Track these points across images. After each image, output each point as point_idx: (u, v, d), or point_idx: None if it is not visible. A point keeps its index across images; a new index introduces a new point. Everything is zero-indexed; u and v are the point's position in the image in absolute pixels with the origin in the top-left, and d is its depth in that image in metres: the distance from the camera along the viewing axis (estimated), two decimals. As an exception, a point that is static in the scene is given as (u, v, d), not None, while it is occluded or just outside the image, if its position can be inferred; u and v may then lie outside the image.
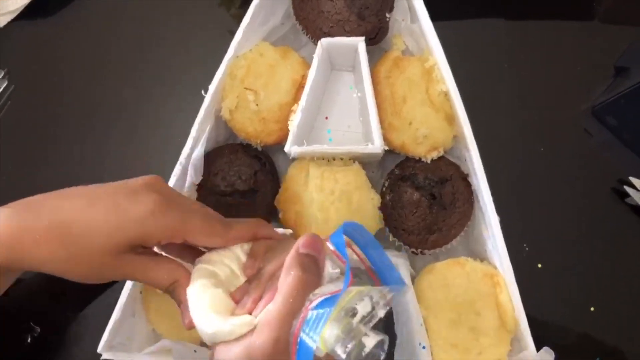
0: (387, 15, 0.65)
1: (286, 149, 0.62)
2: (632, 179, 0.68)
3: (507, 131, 0.72)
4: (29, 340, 0.67)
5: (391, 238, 0.64)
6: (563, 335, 0.67)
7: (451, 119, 0.63)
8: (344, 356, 0.40)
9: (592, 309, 0.67)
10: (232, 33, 0.64)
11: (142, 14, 0.76)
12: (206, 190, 0.64)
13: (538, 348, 0.57)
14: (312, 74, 0.62)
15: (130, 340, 0.61)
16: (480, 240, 0.63)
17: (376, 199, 0.63)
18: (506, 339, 0.59)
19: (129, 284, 0.60)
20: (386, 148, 0.62)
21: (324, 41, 0.62)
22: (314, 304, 0.43)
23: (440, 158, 0.64)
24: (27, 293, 0.68)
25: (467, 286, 0.61)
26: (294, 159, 0.65)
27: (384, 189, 0.64)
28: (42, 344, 0.68)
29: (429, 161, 0.63)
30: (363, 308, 0.42)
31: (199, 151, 0.62)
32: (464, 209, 0.63)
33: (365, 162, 0.66)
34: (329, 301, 0.43)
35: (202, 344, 0.62)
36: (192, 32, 0.75)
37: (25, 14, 0.74)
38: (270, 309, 0.45)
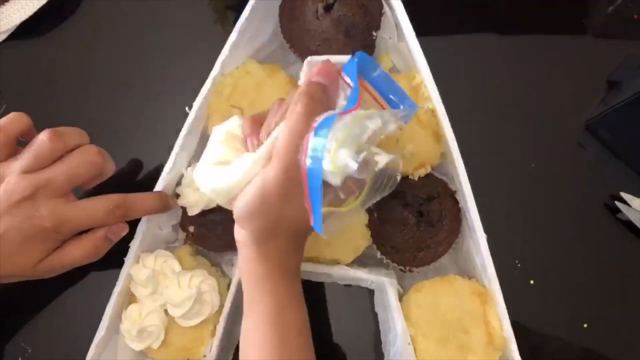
0: (374, 33, 0.65)
1: (272, 166, 0.62)
2: (623, 195, 0.67)
3: (498, 147, 0.71)
4: (20, 360, 0.68)
5: (379, 255, 0.64)
6: (555, 352, 0.66)
7: (438, 136, 0.63)
8: (355, 167, 0.40)
9: (585, 325, 0.66)
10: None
11: (135, 32, 0.77)
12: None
13: (528, 366, 0.57)
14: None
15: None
16: (468, 258, 0.63)
17: (364, 216, 0.63)
18: (495, 357, 0.59)
19: (112, 301, 0.60)
20: (373, 165, 0.62)
21: (310, 59, 0.63)
22: (317, 122, 0.43)
23: (428, 175, 0.64)
24: (17, 314, 0.68)
25: (456, 304, 0.60)
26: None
27: (372, 206, 0.64)
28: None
29: (416, 178, 0.63)
30: (373, 124, 0.42)
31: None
32: (451, 226, 0.62)
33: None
34: (330, 119, 0.43)
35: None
36: (186, 50, 0.76)
37: (17, 35, 0.75)
38: (278, 139, 0.46)
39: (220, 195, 0.50)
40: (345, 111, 0.44)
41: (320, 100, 0.46)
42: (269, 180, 0.45)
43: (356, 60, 0.47)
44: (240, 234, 0.50)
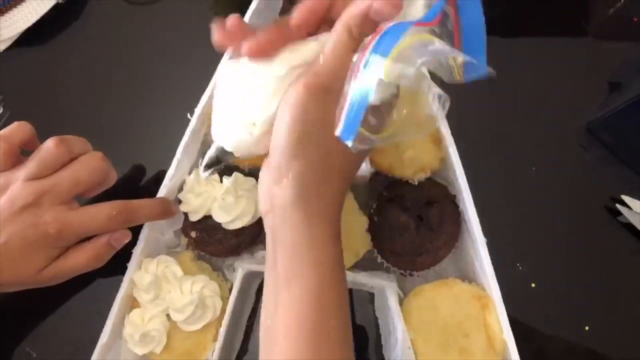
0: (373, 38, 0.65)
1: (273, 171, 0.62)
2: (624, 197, 0.67)
3: (498, 151, 0.72)
4: (25, 365, 0.68)
5: (379, 260, 0.64)
6: (556, 354, 0.67)
7: (438, 141, 0.63)
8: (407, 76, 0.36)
9: (586, 328, 0.66)
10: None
11: (136, 38, 0.77)
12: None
13: (531, 367, 0.57)
14: (298, 97, 0.62)
15: (119, 364, 0.62)
16: (468, 262, 0.63)
17: (364, 221, 0.63)
18: (495, 361, 0.59)
19: (115, 307, 0.60)
20: (372, 170, 0.62)
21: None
22: (387, 27, 0.38)
23: (428, 180, 0.64)
24: (22, 319, 0.69)
25: (456, 308, 0.60)
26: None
27: (372, 210, 0.65)
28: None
29: (416, 183, 0.63)
30: (430, 53, 0.37)
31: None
32: (451, 230, 0.63)
33: (353, 183, 0.66)
34: (402, 26, 0.38)
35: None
36: (187, 56, 0.76)
37: (20, 42, 0.76)
38: (332, 38, 0.41)
39: (259, 127, 0.43)
40: (419, 22, 0.38)
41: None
42: (308, 99, 0.39)
43: None
44: (275, 193, 0.42)
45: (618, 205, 0.67)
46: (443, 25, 0.41)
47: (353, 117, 0.37)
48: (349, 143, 0.36)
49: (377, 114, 0.39)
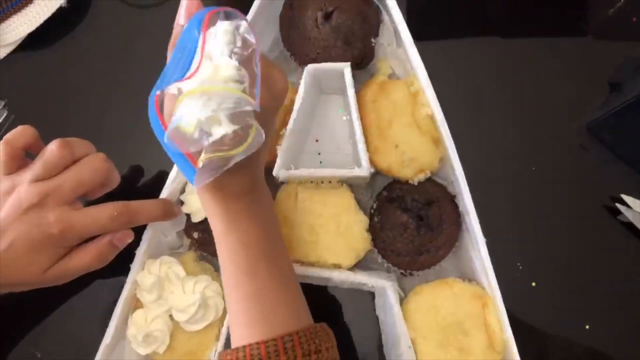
0: (373, 40, 0.66)
1: (274, 172, 0.63)
2: (624, 197, 0.68)
3: (498, 151, 0.71)
4: (30, 365, 0.69)
5: (380, 259, 0.65)
6: (558, 354, 0.67)
7: (437, 141, 0.63)
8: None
9: (587, 327, 0.67)
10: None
11: (139, 42, 0.77)
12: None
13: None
14: (298, 99, 0.63)
15: (122, 364, 0.62)
16: (468, 261, 0.64)
17: (364, 221, 0.64)
18: (495, 359, 0.59)
19: (118, 308, 0.61)
20: (372, 171, 0.63)
21: (310, 67, 0.64)
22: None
23: (428, 180, 0.65)
24: (26, 320, 0.70)
25: (455, 307, 0.61)
26: (282, 183, 0.66)
27: (372, 211, 0.65)
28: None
29: (416, 183, 0.64)
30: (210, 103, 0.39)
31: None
32: (450, 230, 0.63)
33: (353, 184, 0.67)
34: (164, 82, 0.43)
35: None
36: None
37: (24, 46, 0.76)
38: None
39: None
40: (189, 75, 0.42)
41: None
42: None
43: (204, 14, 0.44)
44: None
45: (618, 205, 0.68)
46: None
47: (182, 168, 0.45)
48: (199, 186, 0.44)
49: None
